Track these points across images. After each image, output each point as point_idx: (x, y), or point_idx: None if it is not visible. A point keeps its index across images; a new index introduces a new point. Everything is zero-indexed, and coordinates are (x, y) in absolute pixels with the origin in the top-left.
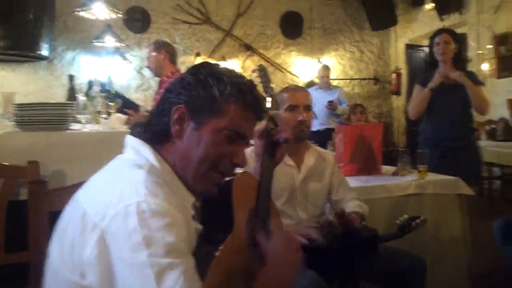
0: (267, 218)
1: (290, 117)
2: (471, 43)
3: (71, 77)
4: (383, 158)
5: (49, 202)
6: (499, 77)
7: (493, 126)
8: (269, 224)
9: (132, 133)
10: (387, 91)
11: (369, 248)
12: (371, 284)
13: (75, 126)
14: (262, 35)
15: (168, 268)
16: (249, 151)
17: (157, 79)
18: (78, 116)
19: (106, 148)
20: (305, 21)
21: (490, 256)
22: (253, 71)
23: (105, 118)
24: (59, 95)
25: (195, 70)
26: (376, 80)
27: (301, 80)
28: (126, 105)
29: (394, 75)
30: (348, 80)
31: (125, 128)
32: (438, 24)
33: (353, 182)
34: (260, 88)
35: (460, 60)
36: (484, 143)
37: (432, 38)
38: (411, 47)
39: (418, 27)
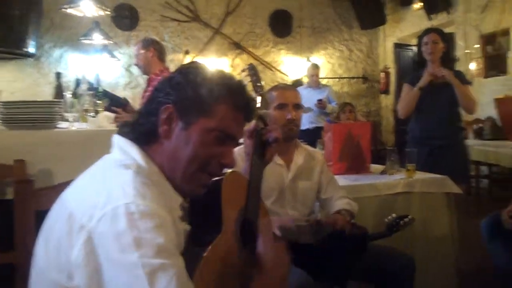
0: (257, 217)
1: (279, 115)
2: (459, 42)
3: (58, 75)
4: (372, 157)
5: (35, 201)
6: (486, 76)
7: (480, 125)
8: (258, 224)
9: (119, 132)
10: (376, 90)
11: (358, 246)
12: (359, 282)
13: (62, 125)
14: (251, 34)
15: (160, 269)
16: (237, 150)
17: (146, 77)
18: (66, 114)
19: (94, 147)
20: (294, 20)
21: (477, 254)
22: (243, 70)
23: (93, 117)
24: (46, 93)
25: (185, 69)
26: (364, 79)
27: (290, 79)
28: (114, 103)
29: (382, 74)
30: (337, 79)
31: (113, 127)
32: (426, 24)
33: (342, 180)
34: (250, 87)
35: (448, 60)
36: (472, 142)
37: (420, 37)
38: (399, 46)
39: (407, 27)
